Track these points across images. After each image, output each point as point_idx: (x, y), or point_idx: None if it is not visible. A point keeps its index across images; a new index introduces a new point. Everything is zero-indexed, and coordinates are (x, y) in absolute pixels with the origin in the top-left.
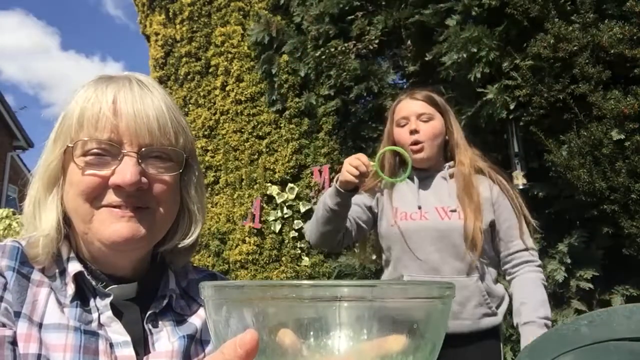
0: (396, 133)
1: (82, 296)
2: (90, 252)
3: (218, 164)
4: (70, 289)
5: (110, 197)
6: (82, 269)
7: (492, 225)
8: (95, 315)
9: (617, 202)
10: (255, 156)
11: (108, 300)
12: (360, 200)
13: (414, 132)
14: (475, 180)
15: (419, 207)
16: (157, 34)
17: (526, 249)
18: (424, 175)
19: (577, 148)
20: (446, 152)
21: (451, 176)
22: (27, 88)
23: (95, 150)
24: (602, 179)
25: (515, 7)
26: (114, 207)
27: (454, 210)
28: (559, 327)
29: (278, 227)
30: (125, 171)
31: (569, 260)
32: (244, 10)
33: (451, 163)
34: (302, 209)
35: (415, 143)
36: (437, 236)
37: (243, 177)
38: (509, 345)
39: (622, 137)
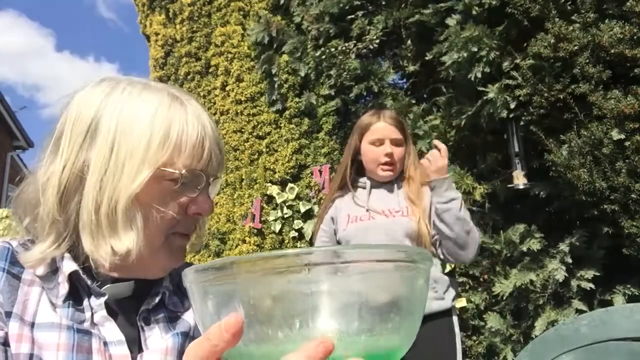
0: (368, 150)
1: (76, 295)
2: (122, 265)
3: None
4: (64, 288)
5: (187, 224)
6: (77, 268)
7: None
8: (88, 314)
9: (617, 202)
10: (255, 156)
11: (102, 300)
12: (327, 229)
13: (389, 155)
14: (422, 192)
15: (367, 210)
16: (157, 34)
17: None
18: (376, 185)
19: (577, 148)
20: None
21: (399, 187)
22: (23, 90)
23: (187, 179)
24: (602, 178)
25: (516, 6)
26: (182, 235)
27: (398, 211)
28: (559, 327)
29: (278, 227)
30: (206, 201)
31: (569, 260)
32: (244, 10)
33: (401, 178)
34: (302, 209)
35: (389, 164)
36: (383, 232)
37: (243, 177)
38: (509, 345)
39: (622, 137)
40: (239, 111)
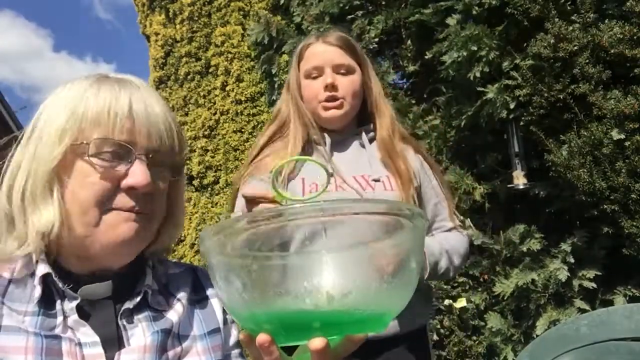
0: (305, 86)
1: (49, 299)
2: (75, 253)
3: (218, 164)
4: (37, 291)
5: (122, 199)
6: (50, 271)
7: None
8: (60, 318)
9: (617, 202)
10: None
11: (75, 304)
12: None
13: (330, 87)
14: (398, 146)
15: (332, 175)
16: (157, 34)
17: (454, 228)
18: (338, 139)
19: (577, 148)
20: (362, 112)
21: (370, 141)
22: (21, 91)
23: (109, 151)
24: (602, 178)
25: (516, 6)
26: (123, 210)
27: (378, 180)
28: (559, 327)
29: None
30: (139, 173)
31: (572, 260)
32: (244, 10)
33: (368, 127)
34: None
35: (332, 99)
36: None
37: None
38: (509, 345)
39: (622, 137)
40: (239, 111)
